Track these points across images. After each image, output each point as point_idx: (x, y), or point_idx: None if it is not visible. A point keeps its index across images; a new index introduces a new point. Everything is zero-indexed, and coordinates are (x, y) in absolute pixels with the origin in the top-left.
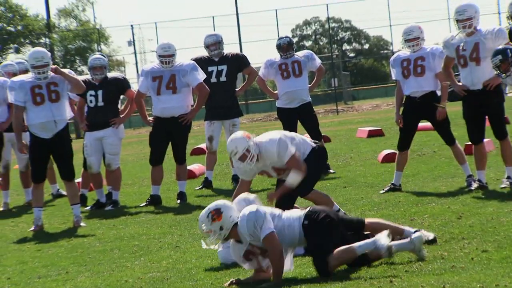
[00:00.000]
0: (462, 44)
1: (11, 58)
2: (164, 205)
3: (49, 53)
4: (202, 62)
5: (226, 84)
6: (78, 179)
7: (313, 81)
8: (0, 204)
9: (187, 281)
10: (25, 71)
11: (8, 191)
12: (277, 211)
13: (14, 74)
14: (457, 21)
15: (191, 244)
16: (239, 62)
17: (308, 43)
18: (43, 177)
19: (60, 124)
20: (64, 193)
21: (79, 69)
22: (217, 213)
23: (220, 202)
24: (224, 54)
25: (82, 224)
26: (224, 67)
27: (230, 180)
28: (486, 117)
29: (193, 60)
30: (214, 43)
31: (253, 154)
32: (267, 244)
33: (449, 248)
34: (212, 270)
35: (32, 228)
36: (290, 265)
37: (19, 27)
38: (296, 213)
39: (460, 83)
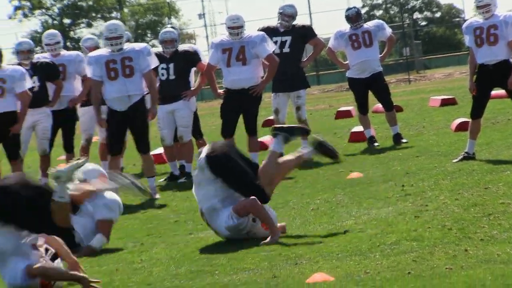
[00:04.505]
0: None
1: (84, 33)
2: None
3: (123, 26)
4: (267, 32)
5: (289, 54)
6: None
7: (384, 51)
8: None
9: (262, 252)
10: (94, 48)
11: None
12: None
13: (96, 48)
14: None
15: None
16: (304, 33)
17: (378, 12)
18: (119, 149)
19: (134, 98)
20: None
21: (150, 43)
22: None
23: None
24: (291, 26)
25: (156, 196)
26: (288, 38)
27: None
28: None
29: (260, 30)
30: (290, 14)
31: None
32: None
33: None
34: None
35: None
36: None
37: (90, 2)
38: None
39: None
